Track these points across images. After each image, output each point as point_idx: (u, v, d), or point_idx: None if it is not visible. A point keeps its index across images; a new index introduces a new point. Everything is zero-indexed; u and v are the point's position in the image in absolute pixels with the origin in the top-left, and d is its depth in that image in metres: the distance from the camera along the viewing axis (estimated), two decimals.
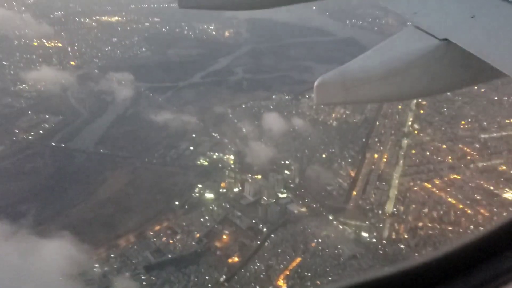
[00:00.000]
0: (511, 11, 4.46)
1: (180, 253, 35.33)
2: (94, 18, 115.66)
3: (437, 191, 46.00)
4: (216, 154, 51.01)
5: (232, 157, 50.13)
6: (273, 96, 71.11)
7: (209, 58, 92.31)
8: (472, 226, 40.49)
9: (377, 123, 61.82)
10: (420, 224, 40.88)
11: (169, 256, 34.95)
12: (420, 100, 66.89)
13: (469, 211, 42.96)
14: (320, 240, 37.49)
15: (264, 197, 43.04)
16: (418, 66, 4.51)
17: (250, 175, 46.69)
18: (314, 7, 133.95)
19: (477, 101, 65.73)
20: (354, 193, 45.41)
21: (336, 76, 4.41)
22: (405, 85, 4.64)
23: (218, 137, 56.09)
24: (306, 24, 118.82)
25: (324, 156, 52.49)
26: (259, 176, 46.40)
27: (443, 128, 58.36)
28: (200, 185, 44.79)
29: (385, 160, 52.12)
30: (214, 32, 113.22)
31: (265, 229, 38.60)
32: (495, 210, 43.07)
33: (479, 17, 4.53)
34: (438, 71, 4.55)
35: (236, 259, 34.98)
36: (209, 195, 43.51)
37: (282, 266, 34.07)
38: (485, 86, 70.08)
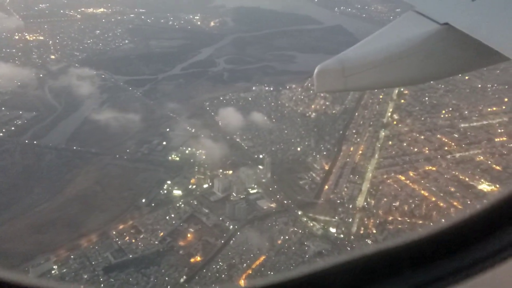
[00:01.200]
0: None
1: (142, 253, 34.67)
2: (79, 10, 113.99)
3: (411, 184, 45.32)
4: (189, 149, 50.19)
5: (204, 152, 49.19)
6: (253, 88, 70.14)
7: (192, 49, 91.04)
8: (443, 220, 39.90)
9: (356, 114, 60.91)
10: (390, 218, 40.27)
11: (130, 256, 34.28)
12: (402, 89, 65.96)
13: (441, 204, 42.33)
14: (287, 237, 36.87)
15: (234, 193, 42.29)
16: (419, 51, 4.45)
17: (221, 170, 45.91)
18: None
19: (460, 89, 64.85)
20: (326, 187, 44.70)
21: (336, 63, 4.42)
22: (406, 70, 4.59)
23: (193, 131, 55.22)
24: (294, 12, 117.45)
25: (299, 149, 51.72)
26: (230, 172, 45.64)
27: (422, 118, 57.51)
28: (169, 182, 44.03)
29: (360, 152, 51.35)
30: (199, 23, 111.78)
31: (231, 227, 37.91)
32: (469, 202, 42.45)
33: (479, 1, 4.46)
34: (439, 56, 4.50)
35: (199, 258, 34.35)
36: (177, 192, 42.77)
37: (245, 265, 33.46)
38: (469, 73, 69.18)
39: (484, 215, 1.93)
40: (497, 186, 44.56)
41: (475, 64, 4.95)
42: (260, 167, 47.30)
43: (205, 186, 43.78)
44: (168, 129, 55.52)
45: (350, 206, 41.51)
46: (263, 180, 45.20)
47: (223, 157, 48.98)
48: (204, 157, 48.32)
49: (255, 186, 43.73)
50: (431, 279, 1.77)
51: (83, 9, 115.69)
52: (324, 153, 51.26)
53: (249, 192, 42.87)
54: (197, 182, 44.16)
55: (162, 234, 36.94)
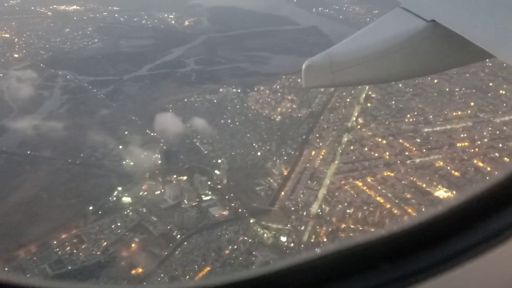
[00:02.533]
0: None
1: (82, 264, 33.36)
2: (50, 7, 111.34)
3: (367, 190, 44.74)
4: (145, 153, 48.87)
5: (160, 156, 47.94)
6: (220, 90, 68.98)
7: (162, 49, 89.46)
8: (395, 228, 39.27)
9: (322, 117, 60.20)
10: (343, 225, 39.60)
11: (69, 268, 32.96)
12: (370, 93, 65.61)
13: (395, 211, 41.82)
14: (235, 247, 35.90)
15: (185, 201, 41.17)
16: (405, 47, 4.47)
17: (175, 176, 44.72)
18: None
19: (428, 93, 64.61)
20: (283, 193, 43.85)
21: (324, 59, 4.47)
22: (392, 67, 4.62)
23: (152, 134, 53.93)
24: (272, 13, 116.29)
25: (259, 154, 50.79)
26: (185, 178, 44.47)
27: (386, 123, 57.03)
28: (120, 188, 42.69)
29: (321, 157, 50.60)
30: (173, 22, 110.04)
31: (178, 236, 36.80)
32: (423, 209, 42.03)
33: None
34: (426, 53, 4.52)
35: (140, 270, 33.18)
36: (126, 199, 41.48)
37: (188, 277, 32.39)
38: (438, 76, 69.06)
39: (463, 208, 1.90)
40: (454, 192, 44.28)
41: (461, 61, 4.95)
42: (217, 172, 46.25)
43: (157, 192, 42.56)
44: (126, 133, 54.11)
45: (304, 213, 40.74)
46: (219, 187, 44.15)
47: (180, 162, 47.82)
48: (159, 162, 47.05)
49: (209, 192, 42.66)
50: (409, 272, 1.74)
51: (55, 6, 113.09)
52: (285, 158, 50.42)
53: (202, 199, 41.78)
54: (149, 188, 42.91)
55: (105, 244, 35.64)
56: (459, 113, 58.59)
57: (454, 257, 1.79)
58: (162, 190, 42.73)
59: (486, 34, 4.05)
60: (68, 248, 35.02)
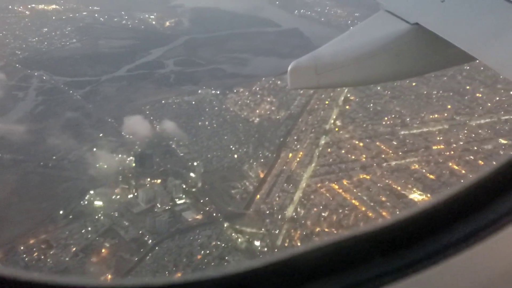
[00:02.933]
0: None
1: (49, 271, 32.55)
2: (29, 6, 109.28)
3: (343, 193, 44.73)
4: (120, 156, 48.10)
5: (135, 159, 47.22)
6: (199, 91, 68.37)
7: (142, 49, 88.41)
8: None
9: (300, 119, 60.07)
10: (317, 229, 39.46)
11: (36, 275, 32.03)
12: (348, 95, 65.77)
13: (370, 214, 41.85)
14: (207, 252, 35.45)
15: (158, 205, 40.57)
16: (389, 50, 4.54)
17: (149, 179, 44.08)
18: None
19: (406, 96, 65.00)
20: (258, 197, 43.54)
21: (309, 60, 4.54)
22: (377, 69, 4.68)
23: (128, 136, 53.15)
24: (253, 14, 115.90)
25: (236, 156, 50.41)
26: (159, 181, 43.85)
27: (364, 125, 57.17)
28: (92, 192, 41.89)
29: (298, 159, 50.45)
30: (154, 22, 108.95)
31: (150, 241, 36.19)
32: (398, 212, 42.14)
33: (448, 1, 4.50)
34: (410, 55, 4.59)
35: (109, 276, 32.49)
36: (98, 203, 40.70)
37: None
38: (417, 79, 69.58)
39: (455, 200, 1.91)
40: (428, 195, 44.53)
41: (444, 64, 5.04)
42: (192, 175, 45.75)
43: (130, 196, 41.88)
44: (101, 135, 53.25)
45: (279, 217, 40.49)
46: (193, 190, 43.64)
47: (155, 165, 47.16)
48: (133, 165, 46.35)
49: (183, 196, 42.12)
50: (403, 264, 1.75)
51: (33, 5, 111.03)
52: (262, 160, 50.15)
53: (176, 202, 41.23)
54: (122, 192, 42.21)
55: (74, 249, 34.85)
56: (436, 116, 59.09)
57: (447, 248, 1.80)
58: (135, 194, 42.03)
59: (469, 37, 4.11)
60: (35, 254, 34.16)
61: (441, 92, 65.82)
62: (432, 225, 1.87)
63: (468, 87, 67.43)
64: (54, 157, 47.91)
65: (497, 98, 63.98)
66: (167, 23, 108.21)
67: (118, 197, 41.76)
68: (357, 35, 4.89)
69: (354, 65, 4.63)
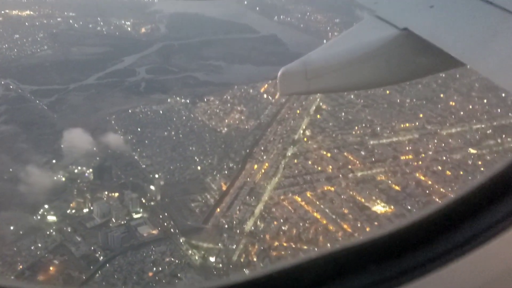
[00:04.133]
0: (468, 1, 4.48)
1: None
2: (2, 12, 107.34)
3: (305, 205, 44.00)
4: (79, 168, 46.77)
5: (94, 171, 45.96)
6: (168, 100, 67.39)
7: (114, 56, 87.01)
8: (328, 245, 38.59)
9: (269, 129, 59.33)
10: (276, 244, 38.60)
11: None
12: (321, 104, 65.37)
13: (331, 227, 41.15)
14: (160, 268, 34.35)
15: (113, 219, 39.36)
16: (379, 55, 4.62)
17: (106, 192, 42.86)
18: (246, 2, 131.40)
19: (378, 104, 64.75)
20: (218, 210, 42.56)
21: (298, 66, 4.65)
22: (366, 74, 4.78)
23: (90, 147, 51.81)
24: (233, 20, 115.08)
25: (199, 168, 49.39)
26: (116, 194, 42.65)
27: (334, 135, 56.61)
28: (46, 206, 40.52)
29: (263, 171, 49.61)
30: (129, 28, 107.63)
31: (101, 258, 34.97)
32: (359, 225, 41.55)
33: (437, 7, 4.60)
34: (399, 60, 4.68)
35: None
36: (51, 218, 39.35)
37: None
38: (391, 88, 69.46)
39: (450, 208, 1.93)
40: (392, 207, 44.06)
41: (433, 69, 5.05)
42: (152, 188, 44.65)
43: (85, 210, 40.60)
44: (62, 146, 51.84)
45: (238, 231, 39.57)
46: (152, 203, 42.53)
47: (115, 177, 45.98)
48: (92, 177, 45.08)
49: (140, 210, 40.99)
50: (397, 273, 1.78)
51: (7, 11, 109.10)
52: (226, 172, 49.22)
53: (132, 217, 40.07)
54: (77, 206, 40.92)
55: (21, 267, 33.48)
56: (407, 125, 58.84)
57: (441, 256, 1.81)
58: (91, 208, 40.77)
59: (458, 42, 4.13)
60: None
61: (414, 100, 65.81)
62: (425, 234, 1.86)
63: (442, 95, 67.52)
64: (10, 169, 46.38)
65: (470, 107, 64.17)
66: (143, 30, 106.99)
67: (73, 211, 40.48)
68: (346, 40, 4.88)
69: (344, 70, 4.64)
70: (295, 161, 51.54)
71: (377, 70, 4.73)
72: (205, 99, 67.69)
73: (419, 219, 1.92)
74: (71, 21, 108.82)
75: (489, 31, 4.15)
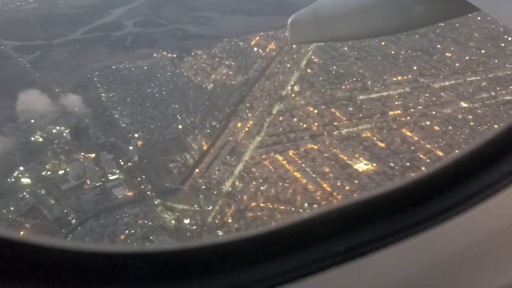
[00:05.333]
0: None
1: None
2: None
3: (287, 164, 43.19)
4: (57, 128, 45.91)
5: (72, 131, 45.10)
6: (154, 55, 65.38)
7: (102, 9, 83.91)
8: (306, 205, 38.08)
9: (257, 85, 57.65)
10: (253, 204, 38.10)
11: None
12: (312, 57, 63.29)
13: (310, 187, 40.47)
14: (132, 231, 34.11)
15: (88, 181, 38.86)
16: (390, 2, 4.55)
17: (83, 153, 42.17)
18: None
19: (372, 56, 62.58)
20: (197, 170, 41.86)
21: (309, 13, 4.59)
22: (377, 21, 4.76)
23: (70, 106, 50.75)
24: None
25: (180, 127, 48.33)
26: (93, 155, 41.96)
27: (322, 90, 54.96)
28: (21, 168, 40.01)
29: (247, 129, 48.50)
30: None
31: (74, 221, 34.72)
32: (339, 184, 40.85)
33: None
34: (412, 6, 4.59)
35: None
36: (26, 180, 38.90)
37: None
38: (386, 38, 66.94)
39: (458, 163, 1.97)
40: (374, 165, 43.17)
41: (445, 15, 5.01)
42: (131, 148, 43.88)
43: (61, 172, 40.05)
44: (41, 105, 50.73)
45: (215, 192, 39.02)
46: (129, 164, 41.87)
47: (93, 138, 45.16)
48: (69, 138, 44.29)
49: (117, 171, 40.37)
50: (406, 225, 1.84)
51: None
52: (208, 131, 48.20)
53: (108, 178, 39.52)
54: (53, 167, 40.36)
55: None
56: (399, 78, 56.94)
57: (449, 208, 1.86)
58: (67, 169, 40.21)
59: None
60: None
61: (409, 52, 63.42)
62: (434, 188, 1.91)
63: (438, 46, 64.94)
64: None
65: (467, 58, 61.79)
66: None
67: (48, 173, 39.92)
68: None
69: (355, 17, 4.50)
70: (280, 118, 50.27)
71: (390, 17, 4.59)
72: (193, 53, 65.64)
73: (427, 174, 1.94)
74: None
75: None
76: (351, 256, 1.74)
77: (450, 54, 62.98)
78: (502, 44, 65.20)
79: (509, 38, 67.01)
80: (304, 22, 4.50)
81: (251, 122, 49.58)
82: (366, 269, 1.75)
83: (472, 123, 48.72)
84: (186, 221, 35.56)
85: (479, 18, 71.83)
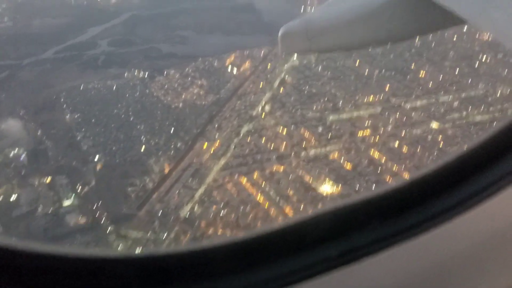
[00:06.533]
0: None
1: None
2: None
3: (250, 187, 42.17)
4: (16, 150, 44.60)
5: (31, 154, 43.83)
6: (125, 74, 64.54)
7: (78, 28, 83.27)
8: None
9: (227, 105, 56.91)
10: (210, 230, 36.92)
11: None
12: (285, 77, 62.97)
13: (272, 211, 39.45)
14: None
15: (41, 207, 37.51)
16: (382, 12, 4.55)
17: (39, 177, 40.86)
18: None
19: (345, 76, 62.35)
20: (156, 195, 40.67)
21: (300, 24, 4.65)
22: (369, 32, 4.73)
23: (32, 128, 49.52)
24: None
25: (143, 149, 47.24)
26: (49, 179, 40.67)
27: (293, 110, 54.33)
28: None
29: (212, 151, 47.52)
30: None
31: None
32: (301, 208, 39.88)
33: None
34: (403, 17, 4.62)
35: None
36: None
37: None
38: (362, 58, 66.99)
39: (454, 164, 1.92)
40: (339, 187, 42.34)
41: (435, 27, 5.03)
42: (89, 171, 42.62)
43: (13, 197, 38.67)
44: (3, 127, 49.53)
45: (172, 218, 37.80)
46: (86, 189, 40.59)
47: (52, 161, 43.91)
48: (26, 161, 43.00)
49: (72, 196, 39.06)
50: (401, 228, 1.79)
51: None
52: (172, 152, 47.12)
53: (62, 204, 38.19)
54: (5, 192, 38.98)
55: None
56: (371, 98, 56.50)
57: (448, 210, 1.81)
58: (20, 194, 38.83)
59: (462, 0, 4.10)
60: None
61: (383, 71, 63.26)
62: (431, 190, 1.86)
63: (413, 66, 64.96)
64: None
65: (441, 77, 61.76)
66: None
67: (0, 198, 38.52)
68: None
69: (346, 28, 4.57)
70: (248, 139, 49.43)
71: (380, 28, 4.63)
72: (165, 73, 65.01)
73: (423, 175, 1.89)
74: None
75: None
76: (344, 261, 1.67)
77: (424, 74, 62.96)
78: (476, 64, 65.45)
79: (484, 57, 67.39)
80: (295, 33, 4.56)
81: (217, 143, 48.66)
82: (360, 274, 1.66)
83: (441, 144, 48.22)
84: (138, 250, 34.18)
85: (455, 36, 72.42)
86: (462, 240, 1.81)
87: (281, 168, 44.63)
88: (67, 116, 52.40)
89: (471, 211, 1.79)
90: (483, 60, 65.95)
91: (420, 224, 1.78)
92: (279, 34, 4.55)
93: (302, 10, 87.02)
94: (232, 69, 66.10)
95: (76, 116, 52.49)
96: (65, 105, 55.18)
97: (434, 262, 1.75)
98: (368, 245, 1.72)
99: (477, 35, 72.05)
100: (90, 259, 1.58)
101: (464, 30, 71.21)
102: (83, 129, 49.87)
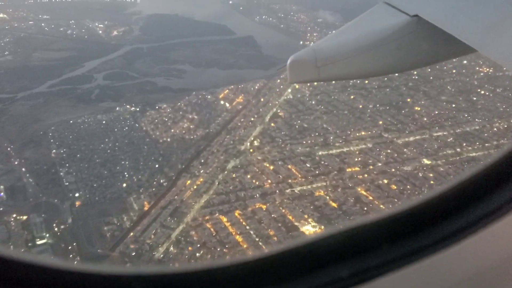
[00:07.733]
0: None
1: None
2: None
3: (230, 227, 40.90)
4: None
5: (11, 191, 43.24)
6: (117, 108, 64.51)
7: (75, 61, 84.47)
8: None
9: (216, 140, 56.25)
10: None
11: None
12: (278, 111, 62.57)
13: (249, 253, 37.96)
14: None
15: (12, 246, 36.59)
16: (390, 42, 4.70)
17: (15, 215, 40.11)
18: (231, 1, 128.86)
19: (339, 110, 61.73)
20: (131, 234, 39.57)
21: (309, 54, 4.74)
22: (377, 61, 4.86)
23: (16, 163, 49.15)
24: (211, 21, 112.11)
25: (124, 185, 46.44)
26: (25, 217, 39.88)
27: (283, 145, 53.52)
28: None
29: (195, 187, 46.54)
30: (100, 31, 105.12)
31: None
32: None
33: None
34: (410, 47, 4.78)
35: None
36: None
37: None
38: (357, 92, 66.57)
39: (462, 187, 1.93)
40: (322, 227, 40.92)
41: (444, 56, 5.19)
42: (67, 209, 41.80)
43: None
44: None
45: (145, 259, 36.57)
46: (62, 227, 39.67)
47: (31, 197, 43.25)
48: (5, 197, 42.39)
49: (46, 235, 38.14)
50: (409, 251, 1.80)
51: None
52: (153, 189, 46.21)
53: (35, 243, 37.24)
54: None
55: None
56: (363, 133, 55.58)
57: (453, 234, 1.80)
58: None
59: (469, 28, 4.16)
60: None
61: (377, 106, 62.57)
62: (440, 212, 1.87)
63: (408, 100, 64.28)
64: None
65: (436, 112, 60.83)
66: (115, 32, 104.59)
67: None
68: (357, 28, 4.84)
69: (354, 58, 4.61)
70: (233, 175, 48.46)
71: (388, 57, 4.67)
72: (157, 107, 64.93)
73: (433, 197, 1.88)
74: (42, 24, 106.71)
75: (500, 16, 4.07)
76: (355, 281, 1.67)
77: (419, 108, 62.18)
78: (474, 98, 64.56)
79: (482, 91, 66.54)
80: (304, 62, 4.58)
81: (201, 180, 47.72)
82: None
83: (432, 182, 46.78)
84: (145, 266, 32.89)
85: (454, 70, 71.79)
86: (473, 262, 1.76)
87: (264, 206, 43.42)
88: (53, 152, 51.98)
89: (482, 232, 1.76)
90: (482, 94, 65.10)
91: (431, 246, 1.74)
92: (288, 62, 4.59)
93: (301, 43, 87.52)
94: (224, 103, 65.85)
95: (61, 151, 52.08)
96: (52, 140, 54.91)
97: (444, 285, 1.72)
98: (379, 266, 1.69)
99: (477, 68, 71.52)
100: (95, 275, 1.51)
101: (464, 63, 70.70)
102: (67, 165, 49.35)
